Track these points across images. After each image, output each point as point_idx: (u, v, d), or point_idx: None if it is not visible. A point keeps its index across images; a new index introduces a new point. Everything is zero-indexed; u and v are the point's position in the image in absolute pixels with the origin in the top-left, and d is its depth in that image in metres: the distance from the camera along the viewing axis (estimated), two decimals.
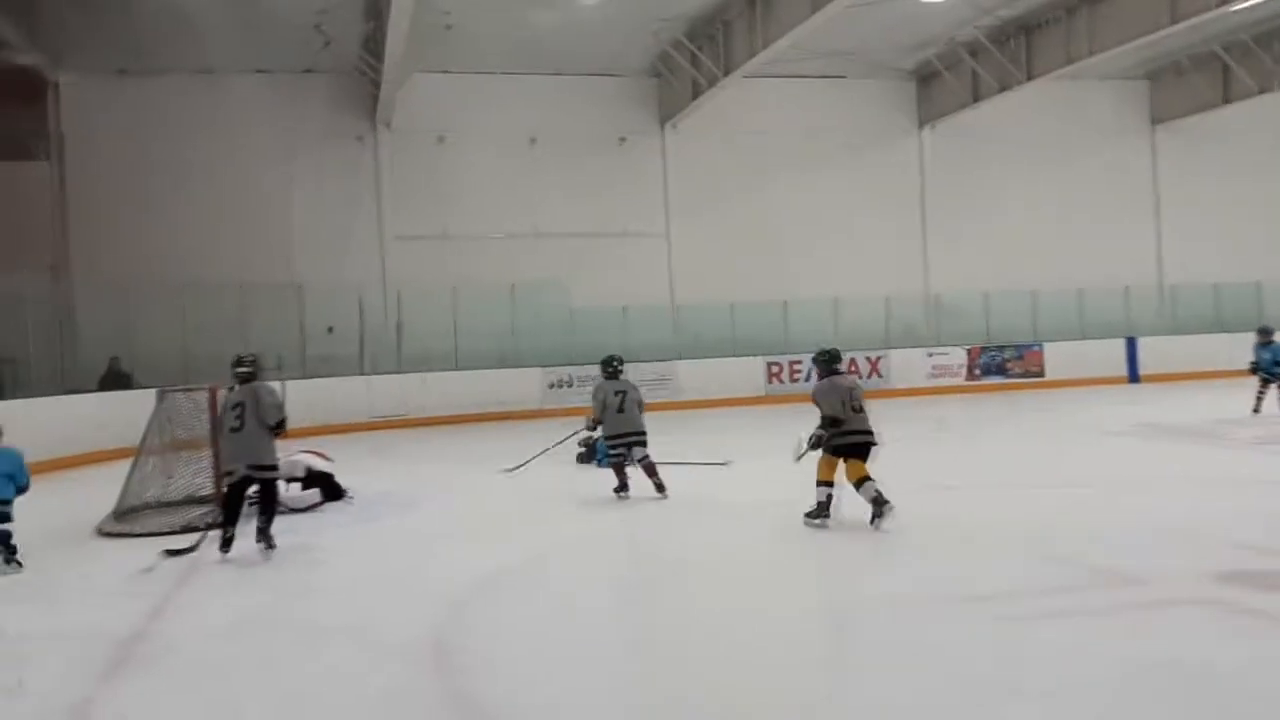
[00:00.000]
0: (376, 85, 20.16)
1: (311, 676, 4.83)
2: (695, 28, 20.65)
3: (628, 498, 9.67)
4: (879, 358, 22.35)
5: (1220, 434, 13.29)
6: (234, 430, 7.87)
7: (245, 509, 7.87)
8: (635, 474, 9.75)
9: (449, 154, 22.18)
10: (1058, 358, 23.10)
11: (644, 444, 9.73)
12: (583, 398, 20.28)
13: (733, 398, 20.98)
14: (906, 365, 22.52)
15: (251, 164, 20.99)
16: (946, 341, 23.30)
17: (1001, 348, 23.17)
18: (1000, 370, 22.96)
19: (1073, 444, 13.43)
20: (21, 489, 7.53)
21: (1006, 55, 21.70)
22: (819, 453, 7.89)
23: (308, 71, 21.38)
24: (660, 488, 9.54)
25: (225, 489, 8.03)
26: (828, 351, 8.36)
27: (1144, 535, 7.26)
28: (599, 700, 4.42)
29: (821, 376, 8.22)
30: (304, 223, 21.29)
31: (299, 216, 21.28)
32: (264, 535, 7.79)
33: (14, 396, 14.75)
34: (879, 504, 7.51)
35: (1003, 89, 21.96)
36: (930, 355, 22.90)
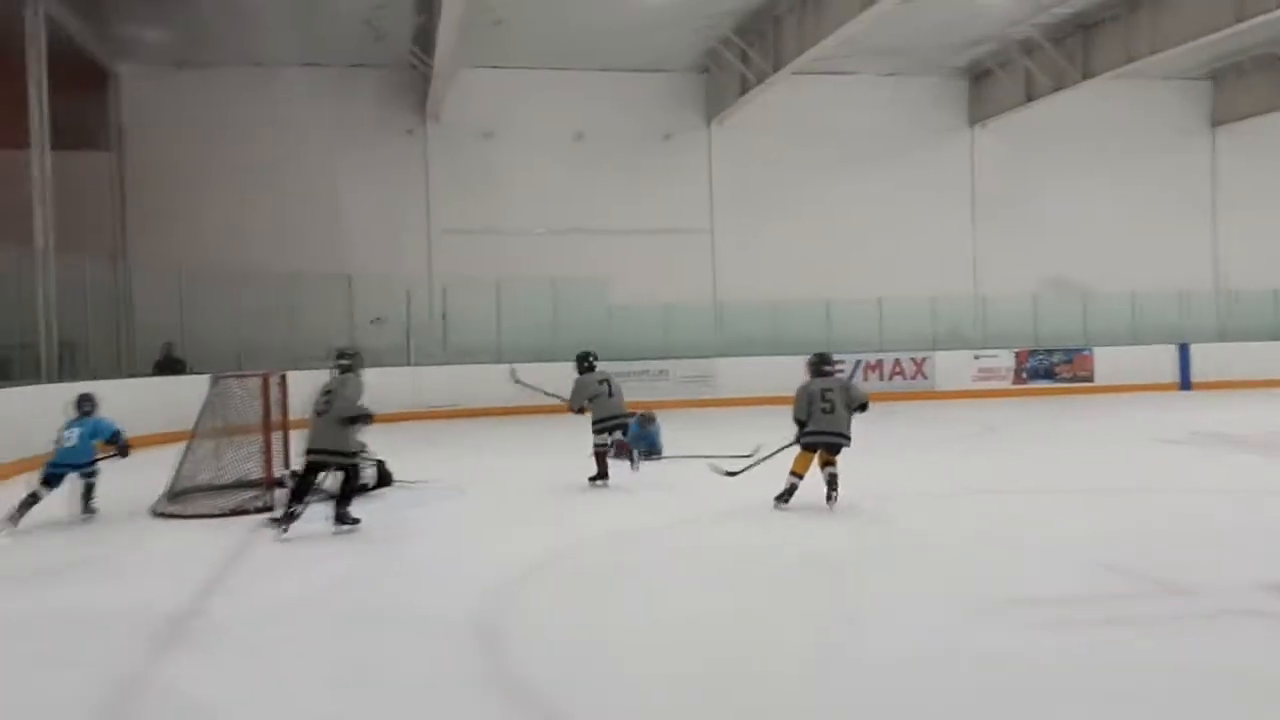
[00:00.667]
0: (426, 80, 20.38)
1: (358, 658, 4.92)
2: (745, 24, 20.59)
3: (606, 486, 10.09)
4: (924, 359, 22.17)
5: (1275, 444, 13.05)
6: (318, 414, 8.20)
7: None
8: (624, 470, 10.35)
9: (496, 148, 22.36)
10: (1108, 363, 22.75)
11: (626, 429, 10.71)
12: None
13: (773, 397, 20.86)
14: (952, 367, 22.31)
15: (304, 156, 21.30)
16: (993, 344, 23.05)
17: (1050, 351, 22.89)
18: (1048, 374, 22.68)
19: (1123, 451, 13.22)
20: (112, 442, 9.04)
21: (1063, 53, 21.39)
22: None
23: (359, 65, 21.67)
24: (634, 465, 10.48)
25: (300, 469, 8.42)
26: (817, 354, 9.12)
27: (1196, 544, 7.18)
28: (643, 688, 4.45)
29: (811, 378, 8.87)
30: (354, 214, 21.55)
31: (349, 208, 21.55)
32: (338, 517, 8.09)
33: (73, 379, 15.10)
34: (831, 485, 8.46)
35: (1058, 88, 21.65)
36: (976, 358, 22.67)
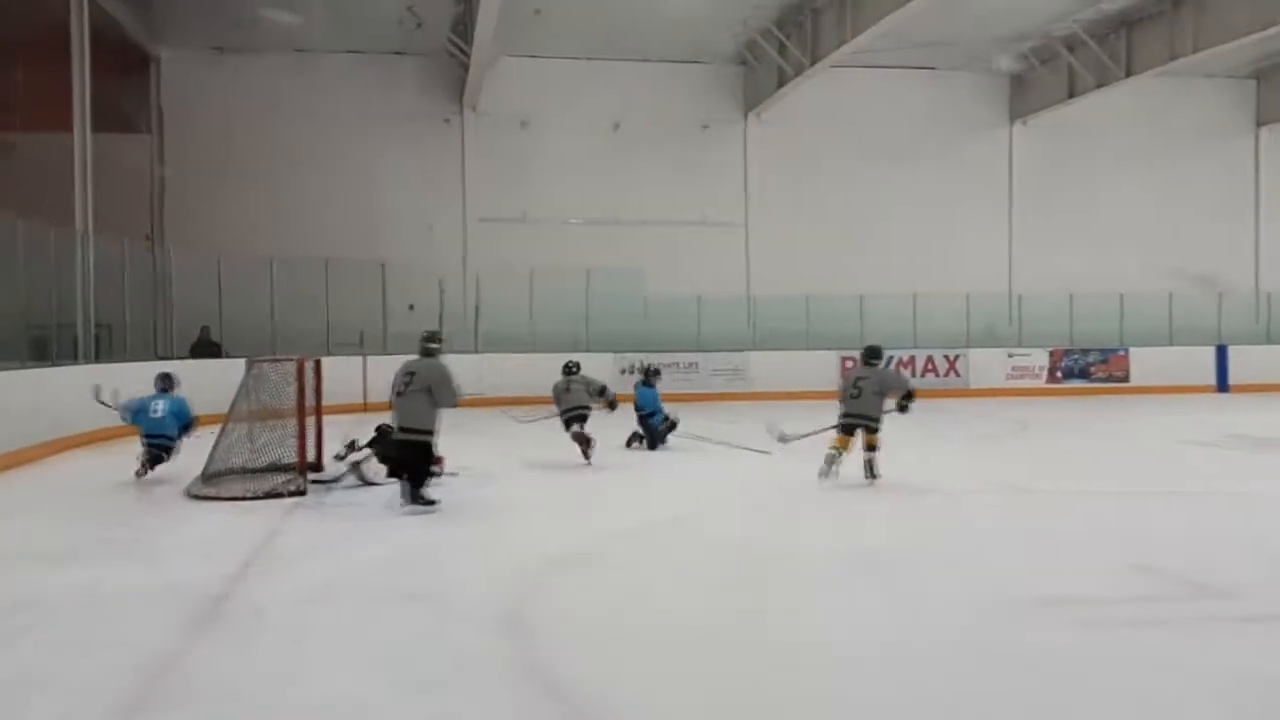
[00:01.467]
0: (465, 68, 20.44)
1: (387, 642, 4.94)
2: (784, 16, 20.49)
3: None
4: (957, 356, 22.01)
5: None
6: (398, 395, 8.51)
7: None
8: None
9: (532, 138, 22.40)
10: (1144, 363, 22.48)
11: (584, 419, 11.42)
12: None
13: (804, 391, 20.81)
14: (986, 365, 22.13)
15: (341, 142, 21.45)
16: (1029, 342, 22.83)
17: (1085, 351, 22.65)
18: (1083, 374, 22.45)
19: (1158, 452, 13.09)
20: (185, 427, 10.20)
21: (1106, 50, 21.13)
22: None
23: (398, 53, 21.77)
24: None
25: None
26: (867, 346, 10.09)
27: (1231, 547, 7.07)
28: (673, 683, 4.45)
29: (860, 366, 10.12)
30: (389, 201, 21.72)
31: (385, 195, 21.71)
32: (410, 494, 8.30)
33: (109, 360, 15.29)
34: (868, 468, 9.48)
35: (1100, 85, 21.41)
36: (1011, 356, 22.47)
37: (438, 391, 8.39)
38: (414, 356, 8.80)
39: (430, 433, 8.43)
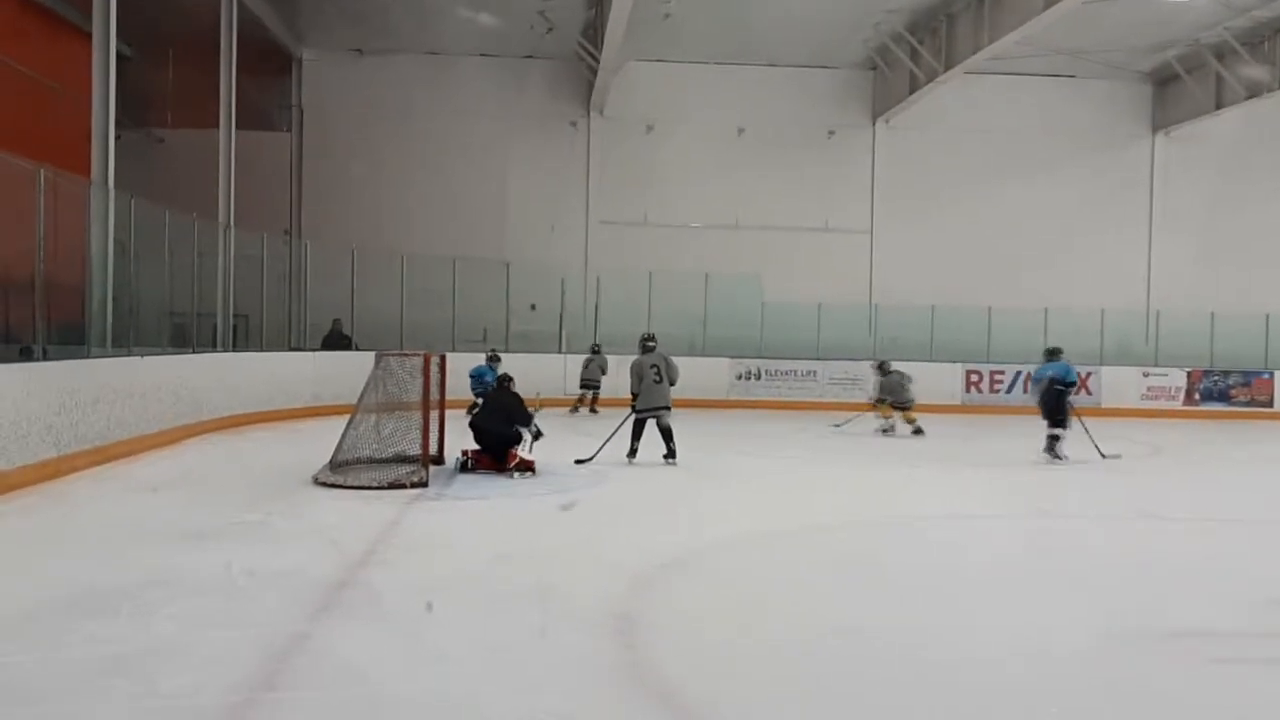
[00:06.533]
0: (593, 72, 20.62)
1: (499, 636, 4.99)
2: (917, 20, 20.10)
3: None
4: (1089, 374, 21.15)
5: None
6: (656, 382, 11.27)
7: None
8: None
9: (657, 142, 22.48)
10: None
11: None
12: (769, 391, 20.37)
13: (928, 404, 20.35)
14: (1119, 384, 21.27)
15: (471, 143, 21.94)
16: (1165, 362, 21.87)
17: (1227, 373, 21.59)
18: (1223, 397, 21.40)
19: None
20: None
21: (1258, 59, 20.10)
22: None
23: (529, 57, 22.10)
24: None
25: (635, 420, 11.46)
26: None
27: None
28: (777, 695, 4.38)
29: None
30: (515, 202, 22.10)
31: (512, 196, 22.13)
32: (670, 455, 11.10)
33: (245, 349, 15.92)
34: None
35: (1250, 96, 20.37)
36: (1146, 375, 21.57)
37: (672, 374, 11.33)
38: (638, 355, 11.60)
39: (670, 408, 11.30)
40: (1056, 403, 12.17)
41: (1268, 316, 22.05)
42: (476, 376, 15.62)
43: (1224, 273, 22.70)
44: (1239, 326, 21.96)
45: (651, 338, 11.71)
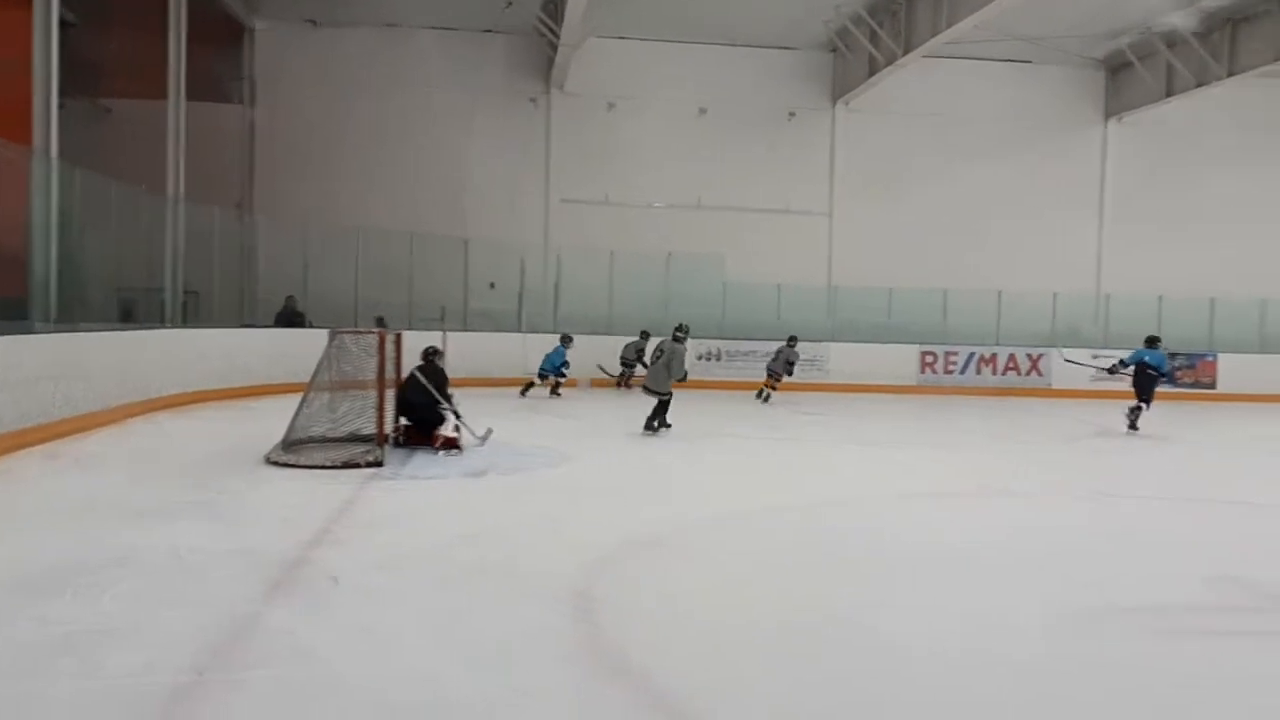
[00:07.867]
0: (553, 48, 20.44)
1: (455, 615, 4.95)
2: (877, 3, 20.15)
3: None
4: (1040, 355, 21.49)
5: None
6: (654, 363, 12.45)
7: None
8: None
9: (618, 120, 22.36)
10: (1233, 370, 21.74)
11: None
12: (729, 372, 20.42)
13: (883, 384, 20.55)
14: (1069, 366, 21.51)
15: (429, 118, 21.69)
16: (1114, 344, 22.17)
17: (1172, 355, 21.91)
18: (1169, 379, 21.70)
19: (1247, 461, 12.70)
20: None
21: (1208, 48, 20.40)
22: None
23: (488, 31, 21.85)
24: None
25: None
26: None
27: None
28: (739, 673, 4.39)
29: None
30: (474, 178, 21.89)
31: (470, 172, 21.89)
32: (646, 425, 12.03)
33: (195, 326, 15.65)
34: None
35: (1200, 84, 20.69)
36: (1095, 357, 21.77)
37: (674, 366, 12.08)
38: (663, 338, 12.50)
39: (669, 394, 12.13)
40: (1147, 384, 14.27)
41: (1213, 300, 22.46)
42: (550, 358, 16.94)
43: (1172, 256, 23.08)
44: (1185, 310, 22.35)
45: (680, 327, 12.73)
